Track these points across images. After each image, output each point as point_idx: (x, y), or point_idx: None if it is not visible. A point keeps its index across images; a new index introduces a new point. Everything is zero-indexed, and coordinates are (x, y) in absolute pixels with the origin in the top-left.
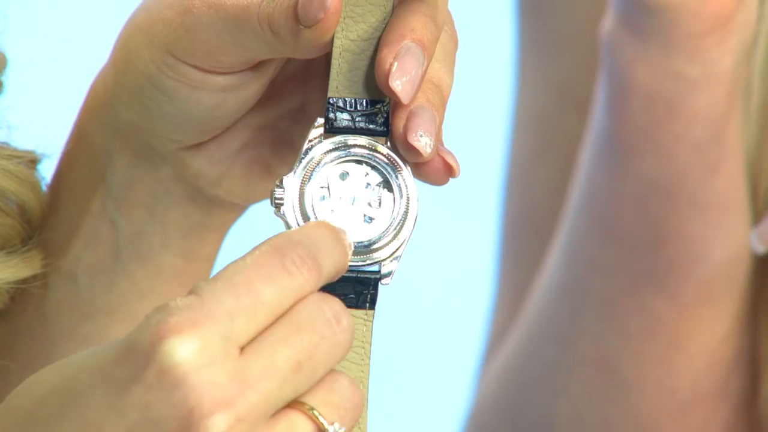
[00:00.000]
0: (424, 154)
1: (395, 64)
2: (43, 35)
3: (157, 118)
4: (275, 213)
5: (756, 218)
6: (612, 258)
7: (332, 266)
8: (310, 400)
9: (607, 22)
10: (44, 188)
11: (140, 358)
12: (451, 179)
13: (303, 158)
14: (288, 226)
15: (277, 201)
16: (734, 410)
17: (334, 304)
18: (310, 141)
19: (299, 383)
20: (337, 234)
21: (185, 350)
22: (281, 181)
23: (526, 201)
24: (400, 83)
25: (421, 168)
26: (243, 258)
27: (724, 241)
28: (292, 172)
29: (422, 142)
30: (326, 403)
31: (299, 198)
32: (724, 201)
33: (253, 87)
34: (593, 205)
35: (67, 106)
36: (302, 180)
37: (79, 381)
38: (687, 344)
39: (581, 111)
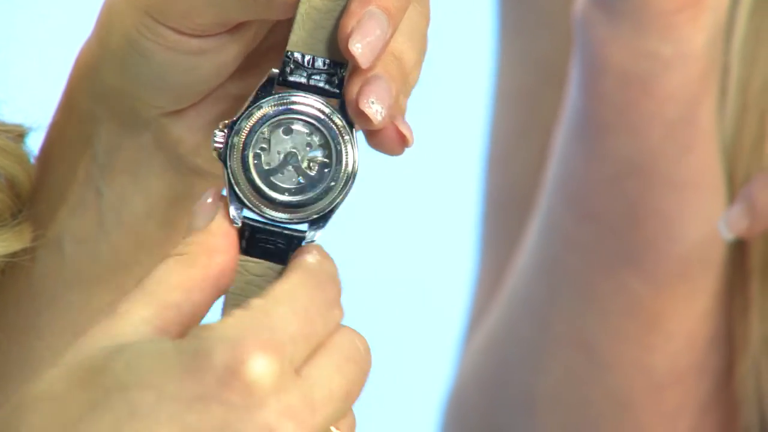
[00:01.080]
0: (374, 121)
1: (356, 27)
2: (30, 7)
3: (137, 81)
4: (213, 155)
5: (734, 199)
6: (588, 237)
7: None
8: (342, 426)
9: (580, 1)
10: (32, 161)
11: (219, 375)
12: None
13: (250, 107)
14: (226, 174)
15: (216, 145)
16: (711, 389)
17: (363, 339)
18: (260, 91)
19: (345, 411)
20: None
21: (269, 373)
22: (225, 126)
23: (507, 178)
24: (360, 46)
25: (374, 136)
26: (293, 285)
27: (700, 220)
28: (239, 119)
29: (373, 108)
30: (350, 427)
31: (241, 147)
32: (698, 180)
33: (230, 52)
34: (568, 184)
35: (55, 79)
36: (248, 129)
37: (136, 398)
38: (664, 323)
39: (562, 88)
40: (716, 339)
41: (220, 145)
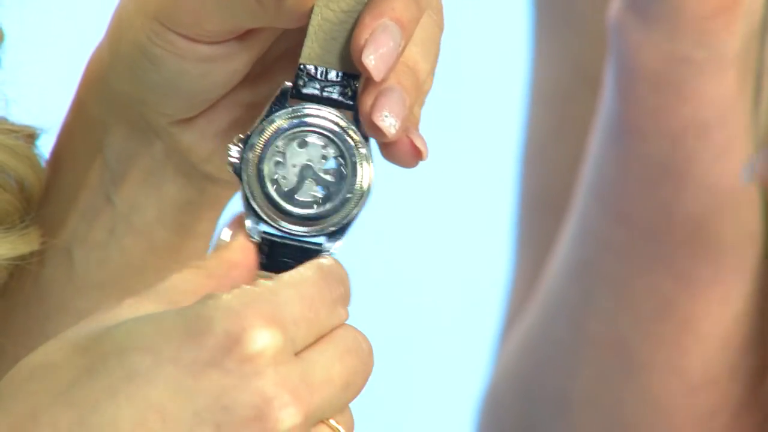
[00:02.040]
0: (388, 135)
1: (370, 39)
2: (43, 9)
3: (147, 88)
4: (228, 169)
5: None
6: (623, 240)
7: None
8: (339, 419)
9: (614, 6)
10: (43, 165)
11: (220, 342)
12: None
13: (264, 121)
14: (242, 188)
15: (231, 160)
16: (745, 391)
17: (366, 339)
18: (274, 104)
19: (343, 402)
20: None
21: (269, 342)
22: (239, 140)
23: (542, 178)
24: (373, 58)
25: (388, 148)
26: (302, 274)
27: (734, 223)
28: (252, 133)
29: (386, 122)
30: (347, 424)
31: (256, 161)
32: (732, 183)
33: (240, 59)
34: (603, 187)
35: (66, 81)
36: (263, 143)
37: (133, 362)
38: (698, 325)
39: (596, 89)
40: (750, 340)
41: (235, 160)
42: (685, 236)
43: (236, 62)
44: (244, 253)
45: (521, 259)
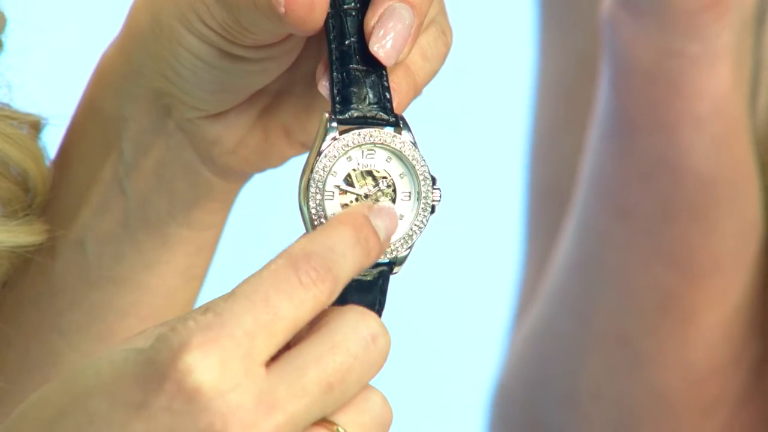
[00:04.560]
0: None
1: (377, 24)
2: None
3: (192, 85)
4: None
5: None
6: (623, 234)
7: (351, 269)
8: (340, 419)
9: (607, 2)
10: (47, 162)
11: (163, 381)
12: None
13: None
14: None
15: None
16: (748, 380)
17: (371, 321)
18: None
19: (328, 404)
20: (358, 233)
21: (210, 374)
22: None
23: (550, 171)
24: (379, 47)
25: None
26: (259, 273)
27: (733, 214)
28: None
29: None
30: (355, 422)
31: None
32: (731, 175)
33: (292, 54)
34: (602, 181)
35: (74, 70)
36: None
37: (94, 405)
38: (700, 317)
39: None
40: (752, 330)
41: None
42: (684, 229)
43: (288, 58)
44: None
45: (531, 252)
